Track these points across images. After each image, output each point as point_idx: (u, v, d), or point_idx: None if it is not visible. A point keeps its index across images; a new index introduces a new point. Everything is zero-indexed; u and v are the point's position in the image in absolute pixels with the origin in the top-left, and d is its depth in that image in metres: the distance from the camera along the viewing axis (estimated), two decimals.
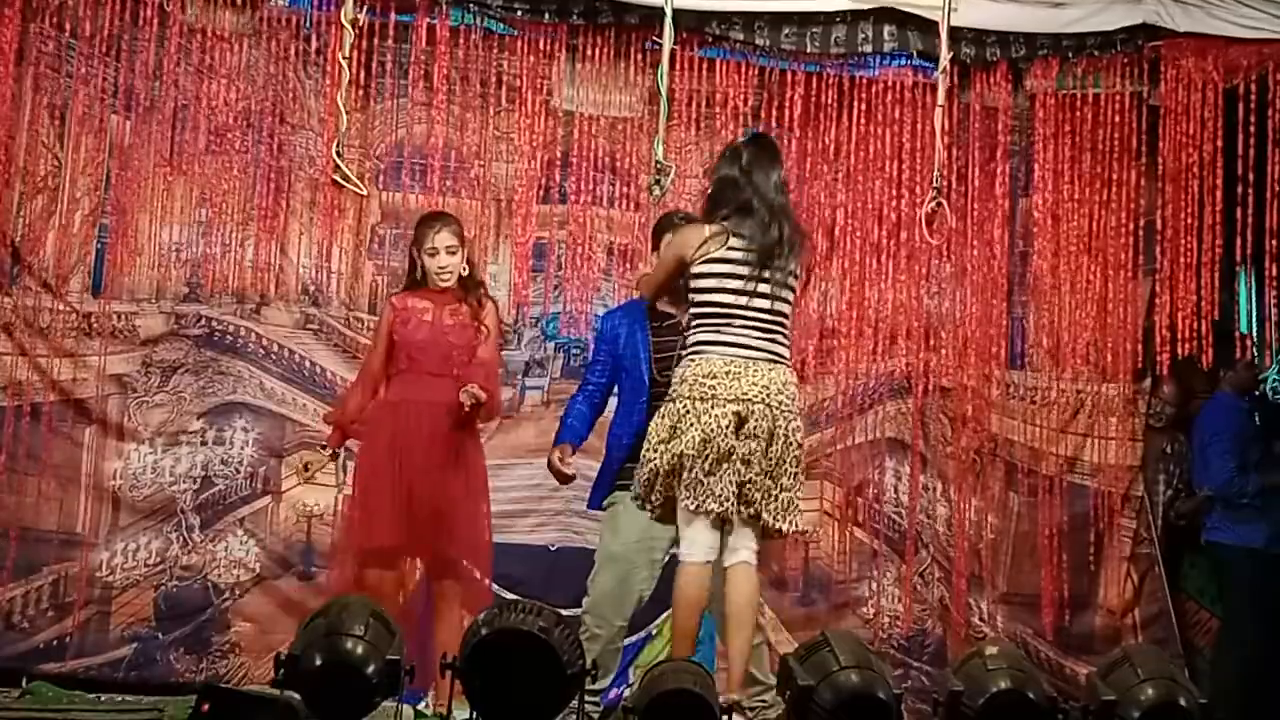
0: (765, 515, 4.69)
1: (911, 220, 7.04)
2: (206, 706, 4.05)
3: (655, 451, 4.74)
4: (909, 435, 7.37)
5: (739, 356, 4.71)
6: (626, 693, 5.17)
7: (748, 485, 4.66)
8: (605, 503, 5.38)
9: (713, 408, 4.65)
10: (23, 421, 6.68)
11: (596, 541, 5.72)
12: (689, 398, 4.70)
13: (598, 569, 5.32)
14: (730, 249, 4.76)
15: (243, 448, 6.94)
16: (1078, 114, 7.23)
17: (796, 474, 4.76)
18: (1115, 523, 7.42)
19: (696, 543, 4.74)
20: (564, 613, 4.52)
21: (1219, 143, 7.04)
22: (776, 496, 4.70)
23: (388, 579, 5.54)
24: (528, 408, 7.19)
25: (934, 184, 6.15)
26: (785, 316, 4.81)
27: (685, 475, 4.67)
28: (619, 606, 5.14)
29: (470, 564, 5.65)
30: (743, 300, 4.72)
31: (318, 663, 4.05)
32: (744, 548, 4.76)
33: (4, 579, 6.57)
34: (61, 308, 6.80)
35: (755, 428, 4.65)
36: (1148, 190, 7.26)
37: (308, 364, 6.97)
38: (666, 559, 5.36)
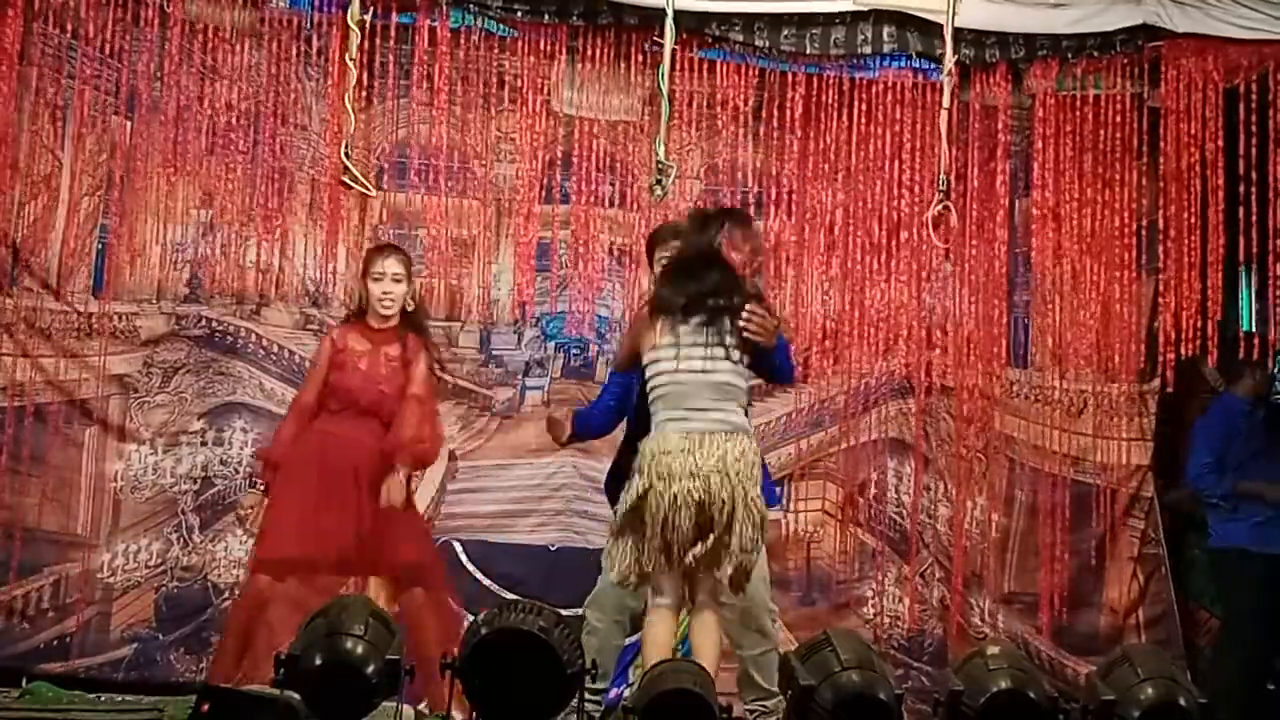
0: (719, 575, 4.75)
1: (912, 220, 7.05)
2: (206, 706, 4.06)
3: (621, 522, 4.83)
4: (911, 435, 7.37)
5: (694, 431, 4.75)
6: (626, 693, 5.15)
7: (707, 555, 4.72)
8: (614, 504, 5.33)
9: (670, 485, 4.70)
10: (23, 422, 6.68)
11: (596, 542, 5.70)
12: (650, 474, 4.74)
13: (605, 564, 5.26)
14: (666, 334, 4.84)
15: (243, 448, 6.94)
16: (1078, 114, 7.23)
17: (756, 540, 4.78)
18: (1122, 523, 7.42)
19: (665, 589, 4.82)
20: (564, 613, 4.53)
21: (1219, 143, 7.05)
22: (731, 559, 4.73)
23: (275, 590, 5.53)
24: (528, 408, 7.20)
25: (940, 187, 6.15)
26: (733, 386, 4.83)
27: (648, 542, 4.74)
28: (618, 603, 5.12)
29: (430, 572, 5.70)
30: (687, 376, 4.78)
31: (318, 663, 4.05)
32: (706, 595, 4.82)
33: (7, 579, 6.58)
34: (62, 308, 6.81)
35: (714, 498, 4.69)
36: (1149, 191, 7.27)
37: (308, 365, 6.96)
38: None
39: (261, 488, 5.83)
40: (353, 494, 5.54)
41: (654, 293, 5.00)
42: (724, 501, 4.69)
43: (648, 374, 4.89)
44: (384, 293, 5.69)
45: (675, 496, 4.69)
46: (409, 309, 5.76)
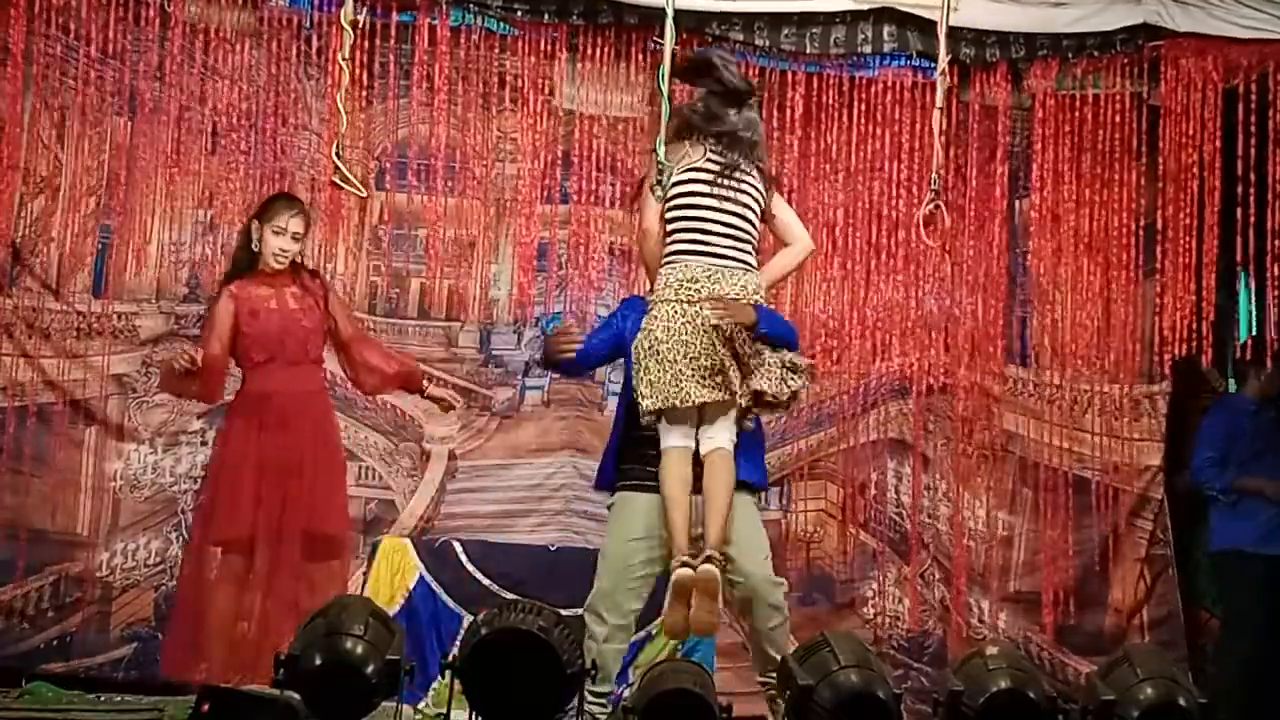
0: (758, 383, 4.86)
1: (912, 220, 7.03)
2: (206, 706, 4.06)
3: (641, 352, 4.93)
4: (912, 435, 7.37)
5: (716, 265, 4.95)
6: (626, 693, 5.14)
7: (731, 369, 4.85)
8: (608, 503, 5.34)
9: (698, 309, 4.87)
10: (23, 422, 6.68)
11: (596, 541, 5.70)
12: (675, 300, 4.91)
13: (601, 565, 5.27)
14: (693, 167, 5.06)
15: None
16: (1078, 114, 7.23)
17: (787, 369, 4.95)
18: (1129, 523, 7.42)
19: (673, 431, 4.89)
20: (564, 613, 4.53)
21: (1219, 143, 7.05)
22: (764, 366, 4.88)
23: (237, 563, 5.58)
24: (528, 407, 7.20)
25: (932, 186, 6.15)
26: (751, 229, 5.06)
27: (671, 368, 4.85)
28: (616, 604, 5.10)
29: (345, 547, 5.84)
30: (711, 214, 4.98)
31: (317, 663, 4.05)
32: (720, 435, 4.89)
33: (7, 579, 6.58)
34: (62, 308, 6.81)
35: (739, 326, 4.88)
36: (1148, 191, 7.27)
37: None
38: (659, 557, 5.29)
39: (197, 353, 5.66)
40: (292, 452, 5.60)
41: (692, 112, 5.17)
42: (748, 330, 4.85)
43: (676, 196, 5.04)
44: (281, 249, 5.69)
45: (703, 320, 4.84)
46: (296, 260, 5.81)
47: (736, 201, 5.02)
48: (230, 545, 5.61)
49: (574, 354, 5.23)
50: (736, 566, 4.94)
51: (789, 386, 4.91)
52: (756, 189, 5.08)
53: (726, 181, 5.01)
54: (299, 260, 5.81)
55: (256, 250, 5.72)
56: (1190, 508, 7.34)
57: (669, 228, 5.07)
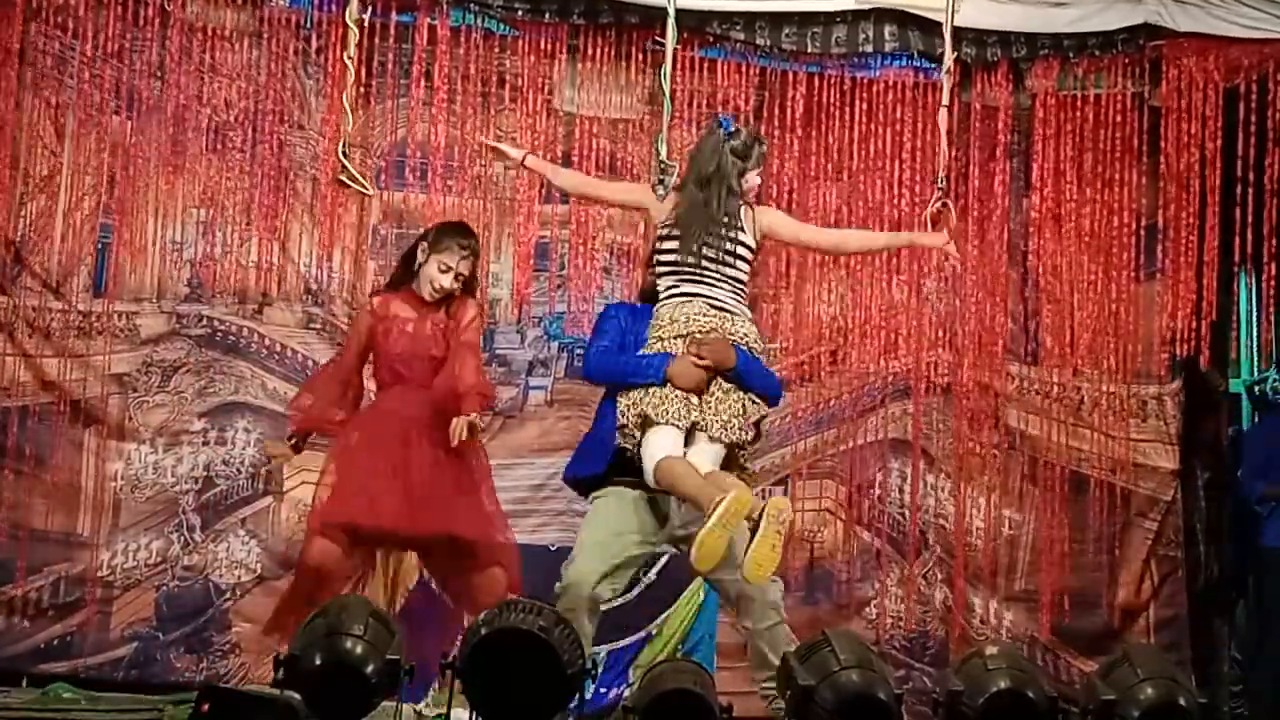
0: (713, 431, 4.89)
1: (913, 219, 7.04)
2: (206, 706, 4.06)
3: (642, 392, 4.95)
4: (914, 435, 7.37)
5: (718, 311, 5.01)
6: (626, 693, 5.14)
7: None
8: (591, 497, 5.30)
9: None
10: (23, 422, 6.69)
11: None
12: (675, 337, 4.97)
13: (577, 552, 5.12)
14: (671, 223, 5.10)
15: (244, 448, 6.94)
16: (1079, 114, 7.23)
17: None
18: (1136, 524, 7.43)
19: (656, 444, 4.87)
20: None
21: (1219, 142, 7.05)
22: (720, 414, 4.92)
23: (332, 553, 5.33)
24: (531, 407, 7.19)
25: (938, 185, 6.15)
26: (740, 280, 5.11)
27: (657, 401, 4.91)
28: (596, 591, 5.02)
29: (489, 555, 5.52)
30: (702, 262, 5.02)
31: (318, 663, 4.05)
32: (707, 455, 4.88)
33: (7, 578, 6.59)
34: (62, 308, 6.81)
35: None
36: (1149, 190, 7.27)
37: (310, 364, 6.96)
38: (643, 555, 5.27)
39: (291, 443, 5.65)
40: (412, 466, 5.38)
41: (683, 185, 5.18)
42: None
43: (666, 240, 5.08)
44: (440, 285, 5.47)
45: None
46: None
47: (719, 260, 5.05)
48: (324, 531, 5.36)
49: None
50: (731, 564, 4.94)
51: (731, 433, 4.91)
52: (743, 243, 5.09)
53: (703, 253, 5.04)
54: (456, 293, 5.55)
55: (416, 270, 5.53)
56: (1218, 513, 7.35)
57: (660, 269, 5.12)
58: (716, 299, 5.03)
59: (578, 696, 4.24)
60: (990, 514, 7.36)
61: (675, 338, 4.97)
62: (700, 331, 4.95)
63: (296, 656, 4.06)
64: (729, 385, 4.94)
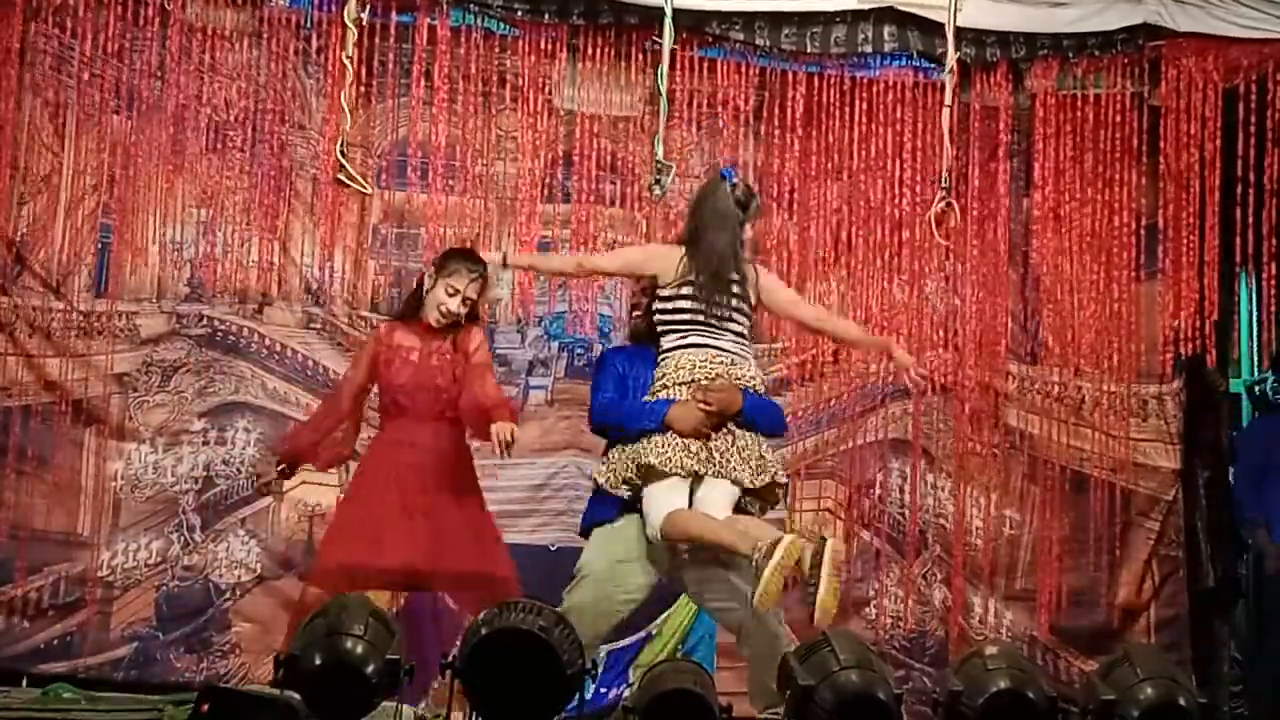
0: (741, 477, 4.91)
1: (914, 219, 7.05)
2: (206, 706, 4.06)
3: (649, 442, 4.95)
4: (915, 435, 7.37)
5: (724, 358, 5.02)
6: (626, 693, 5.13)
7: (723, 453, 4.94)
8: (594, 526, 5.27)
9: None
10: (23, 422, 6.69)
11: None
12: (679, 384, 4.98)
13: (578, 580, 5.12)
14: (688, 278, 5.07)
15: (244, 448, 6.94)
16: (1078, 114, 7.23)
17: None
18: (1137, 523, 7.42)
19: (663, 497, 4.88)
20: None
21: (1219, 142, 7.05)
22: (748, 459, 4.94)
23: (324, 598, 5.01)
24: (531, 407, 7.18)
25: (942, 184, 6.15)
26: (744, 335, 5.13)
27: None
28: (593, 622, 5.04)
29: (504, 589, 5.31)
30: (711, 316, 5.04)
31: (318, 663, 4.05)
32: (720, 497, 4.89)
33: (13, 578, 6.59)
34: (62, 307, 6.81)
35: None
36: (1149, 190, 7.27)
37: (310, 364, 6.97)
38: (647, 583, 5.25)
39: (280, 468, 5.53)
40: (422, 504, 5.28)
41: (696, 239, 5.13)
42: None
43: (671, 300, 5.08)
44: (447, 310, 5.36)
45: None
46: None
47: (725, 315, 5.08)
48: (321, 577, 5.26)
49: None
50: (733, 590, 4.96)
51: (763, 477, 4.93)
52: (744, 298, 5.12)
53: (712, 308, 5.06)
54: (462, 321, 5.44)
55: (424, 296, 5.42)
56: (1218, 513, 7.35)
57: (665, 323, 5.11)
58: (724, 348, 5.04)
59: (578, 696, 4.24)
60: (990, 514, 7.35)
61: (679, 384, 4.98)
62: (707, 378, 4.95)
63: (296, 656, 4.06)
64: (742, 430, 4.96)
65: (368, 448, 5.54)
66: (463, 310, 5.39)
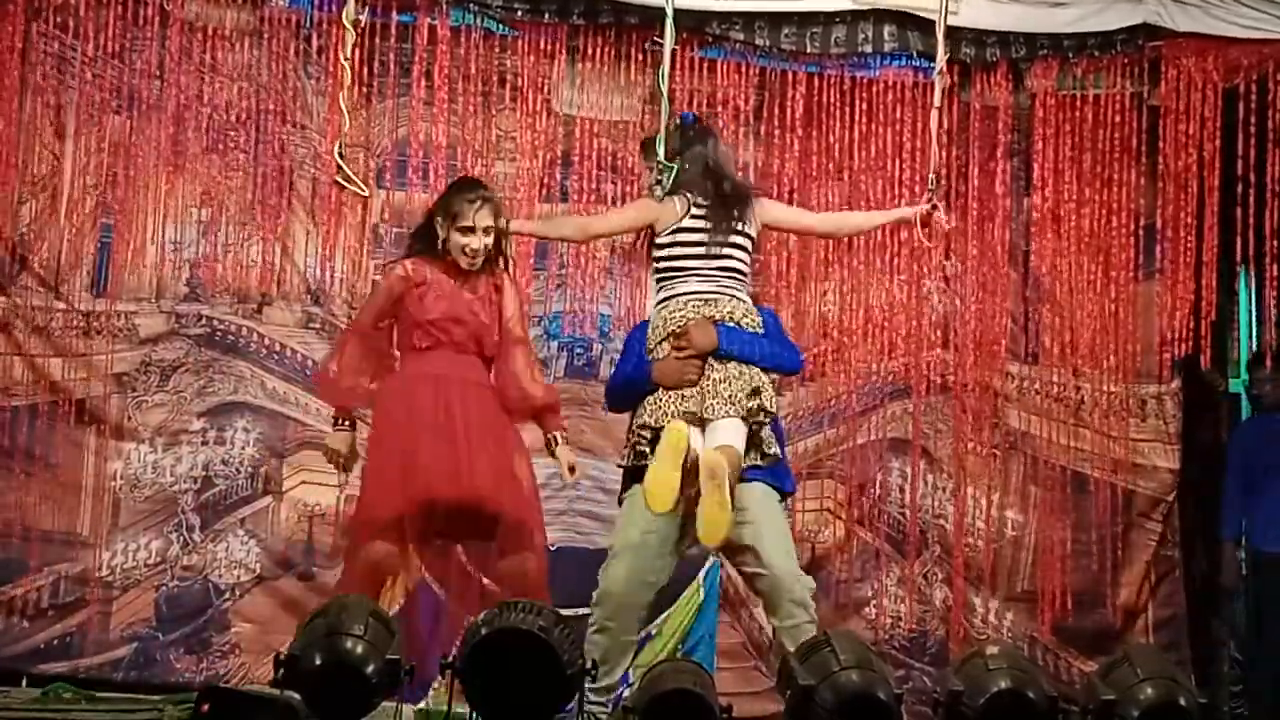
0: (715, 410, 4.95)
1: (914, 219, 7.04)
2: (206, 706, 4.06)
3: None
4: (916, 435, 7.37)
5: (699, 300, 5.06)
6: (626, 693, 5.12)
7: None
8: (623, 496, 5.28)
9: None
10: (23, 422, 6.69)
11: (599, 542, 5.66)
12: (660, 341, 5.05)
13: (612, 558, 5.10)
14: (688, 219, 5.15)
15: (244, 448, 6.94)
16: (1078, 114, 7.24)
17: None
18: (1138, 524, 7.44)
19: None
20: (564, 613, 4.51)
21: (1219, 143, 7.06)
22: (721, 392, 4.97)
23: (392, 555, 5.08)
24: None
25: (930, 186, 6.15)
26: (740, 270, 5.20)
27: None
28: (634, 595, 5.03)
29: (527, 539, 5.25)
30: (699, 263, 5.12)
31: (318, 663, 4.04)
32: (726, 433, 4.91)
33: (13, 578, 6.60)
34: (62, 307, 6.81)
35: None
36: (1148, 190, 7.27)
37: (310, 363, 6.96)
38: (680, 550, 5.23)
39: (346, 425, 5.21)
40: (461, 442, 5.06)
41: (680, 176, 5.26)
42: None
43: (666, 248, 5.15)
44: (473, 249, 5.10)
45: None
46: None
47: (726, 250, 5.16)
48: (379, 530, 5.06)
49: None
50: (760, 559, 4.95)
51: (738, 408, 4.93)
52: (745, 233, 5.21)
53: (714, 245, 5.14)
54: (492, 254, 5.20)
55: (441, 245, 5.15)
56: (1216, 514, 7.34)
57: (659, 277, 5.20)
58: (703, 292, 5.08)
59: (577, 696, 4.24)
60: (990, 514, 7.36)
61: (661, 342, 5.05)
62: (679, 327, 5.01)
63: (296, 656, 4.05)
64: (732, 366, 4.97)
65: (385, 385, 5.20)
66: (488, 240, 5.14)
